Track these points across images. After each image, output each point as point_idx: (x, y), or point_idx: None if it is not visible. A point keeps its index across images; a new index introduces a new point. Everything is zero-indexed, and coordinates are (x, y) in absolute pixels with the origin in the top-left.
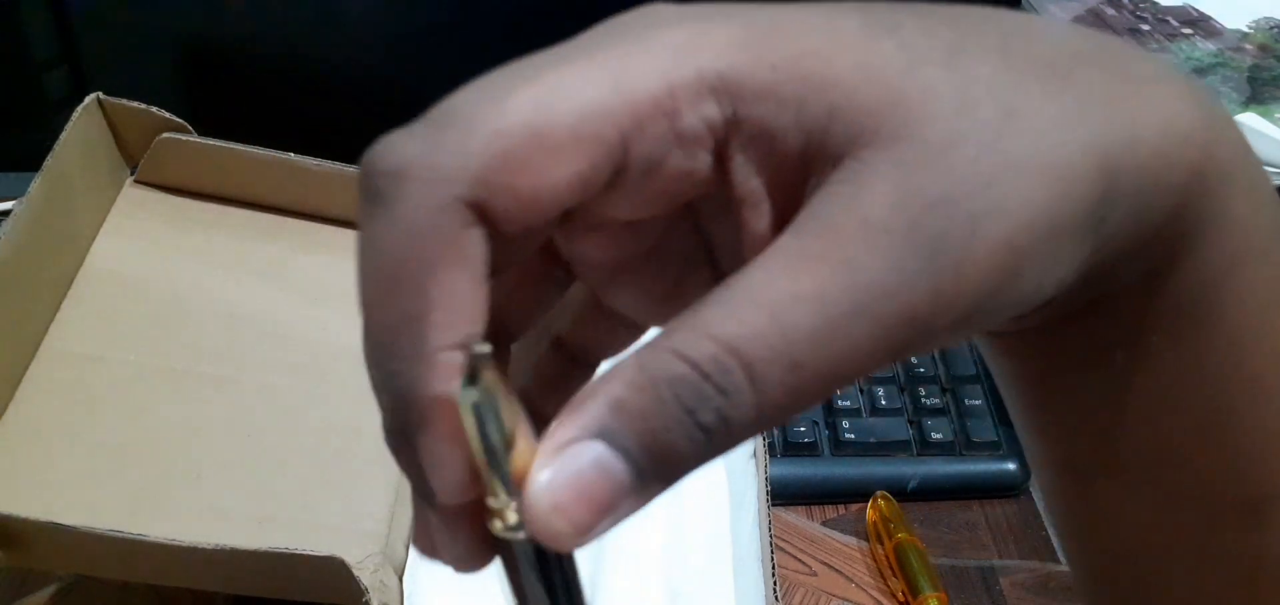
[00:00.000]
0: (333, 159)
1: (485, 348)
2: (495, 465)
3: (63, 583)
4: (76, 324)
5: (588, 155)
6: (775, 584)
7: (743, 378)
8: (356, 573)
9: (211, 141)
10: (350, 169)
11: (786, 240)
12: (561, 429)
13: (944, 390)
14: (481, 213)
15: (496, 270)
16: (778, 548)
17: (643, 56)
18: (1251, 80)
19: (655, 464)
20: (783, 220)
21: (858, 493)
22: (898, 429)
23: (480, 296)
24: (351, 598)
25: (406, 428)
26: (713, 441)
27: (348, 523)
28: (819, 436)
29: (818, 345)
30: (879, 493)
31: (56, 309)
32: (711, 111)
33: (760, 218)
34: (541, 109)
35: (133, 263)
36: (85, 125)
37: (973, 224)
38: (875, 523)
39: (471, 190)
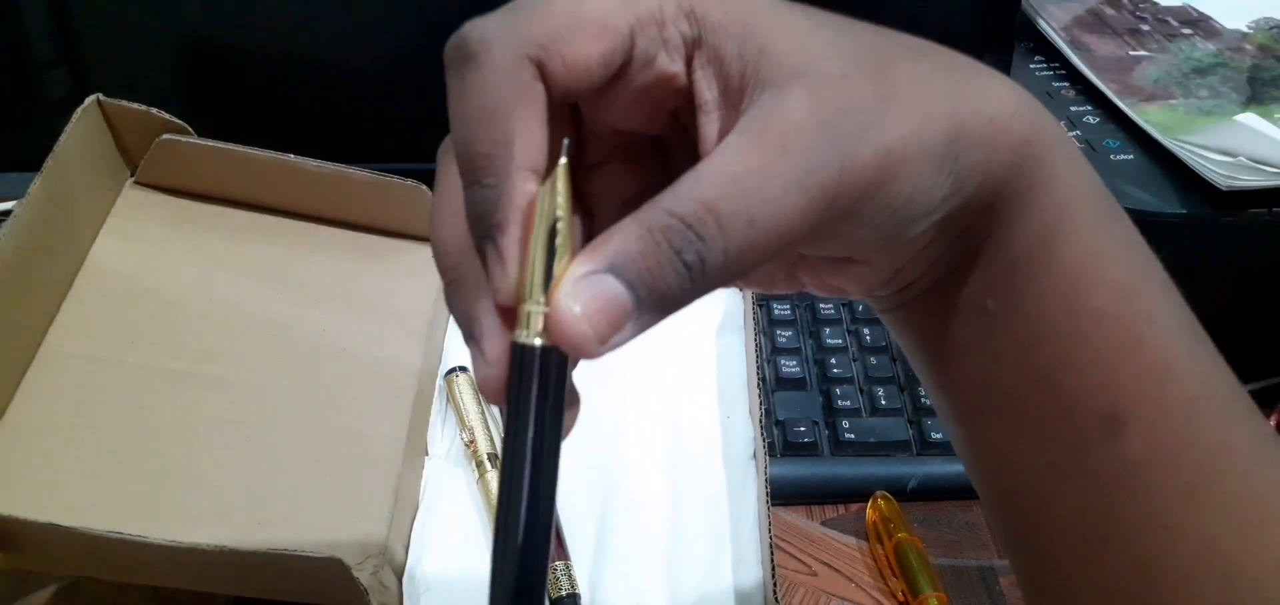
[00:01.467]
0: (333, 160)
1: (566, 159)
2: (548, 259)
3: (62, 583)
4: (76, 325)
5: (608, 40)
6: (775, 584)
7: (715, 227)
8: (356, 574)
9: (211, 143)
10: (350, 169)
11: (736, 137)
12: (581, 264)
13: None
14: (541, 71)
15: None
16: (777, 548)
17: None
18: (1251, 80)
19: (650, 294)
20: (725, 130)
21: (858, 493)
22: (898, 429)
23: (545, 136)
24: (350, 599)
25: (490, 230)
26: (693, 278)
27: (347, 524)
28: (819, 436)
29: (766, 205)
30: (879, 493)
31: (56, 310)
32: (686, 28)
33: (712, 123)
34: (579, 6)
35: (132, 264)
36: (85, 126)
37: (862, 130)
38: (875, 523)
39: (536, 51)
